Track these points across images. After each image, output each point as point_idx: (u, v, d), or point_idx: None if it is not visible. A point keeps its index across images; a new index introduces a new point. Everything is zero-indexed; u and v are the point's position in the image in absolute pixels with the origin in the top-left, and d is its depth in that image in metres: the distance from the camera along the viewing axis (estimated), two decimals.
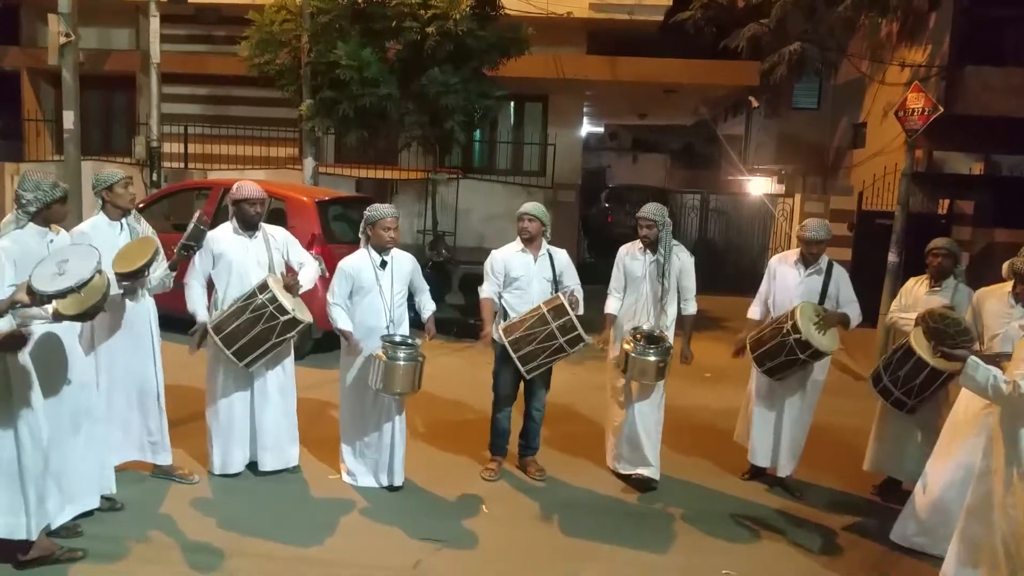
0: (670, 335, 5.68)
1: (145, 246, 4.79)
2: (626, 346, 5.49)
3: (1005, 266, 4.69)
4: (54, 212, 4.30)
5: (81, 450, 4.47)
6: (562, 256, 5.82)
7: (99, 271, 3.90)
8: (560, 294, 5.51)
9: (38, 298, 3.72)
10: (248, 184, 5.47)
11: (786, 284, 5.79)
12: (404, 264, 5.56)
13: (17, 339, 3.89)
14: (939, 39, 12.66)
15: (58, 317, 4.00)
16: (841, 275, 5.78)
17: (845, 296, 5.73)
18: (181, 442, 5.73)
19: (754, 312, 6.02)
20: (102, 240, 4.91)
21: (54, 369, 4.30)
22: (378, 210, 5.45)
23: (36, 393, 4.12)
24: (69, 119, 11.53)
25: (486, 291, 5.76)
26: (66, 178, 11.38)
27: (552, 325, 5.35)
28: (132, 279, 4.83)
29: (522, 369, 5.47)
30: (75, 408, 4.42)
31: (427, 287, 5.76)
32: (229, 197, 5.48)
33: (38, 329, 4.13)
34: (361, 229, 5.53)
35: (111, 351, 5.06)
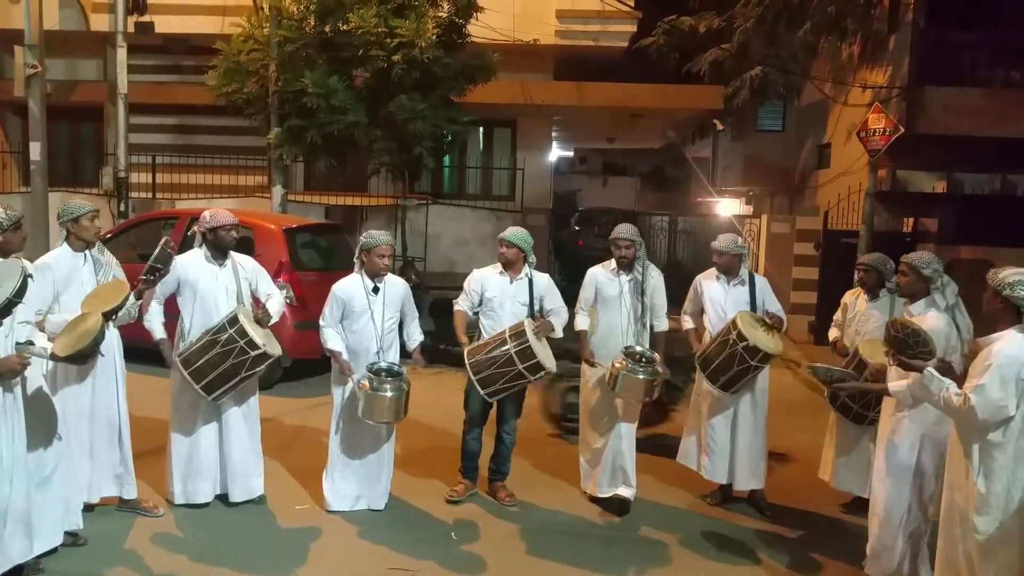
0: None
1: (117, 290, 4.76)
2: (617, 365, 5.51)
3: None
4: (7, 242, 4.27)
5: (49, 489, 4.41)
6: (543, 280, 5.82)
7: (29, 275, 3.96)
8: (526, 320, 5.52)
9: None
10: (220, 211, 5.50)
11: (713, 298, 5.94)
12: (396, 289, 5.62)
13: (12, 365, 3.95)
14: (899, 61, 12.91)
15: (54, 358, 4.19)
16: (764, 285, 5.97)
17: (772, 304, 5.90)
18: (145, 474, 5.66)
19: (687, 322, 6.15)
20: (66, 271, 4.89)
21: (40, 420, 4.32)
22: (375, 237, 5.52)
23: (23, 443, 4.14)
24: (36, 150, 11.44)
25: (459, 304, 5.82)
26: (32, 210, 11.28)
27: (512, 351, 5.32)
28: (106, 320, 4.78)
29: (482, 392, 5.47)
30: (46, 449, 4.39)
31: (417, 314, 5.81)
32: (201, 225, 5.45)
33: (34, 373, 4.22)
34: (356, 255, 5.57)
35: (79, 385, 4.98)
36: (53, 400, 4.56)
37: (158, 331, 5.37)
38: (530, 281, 5.75)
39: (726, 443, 5.85)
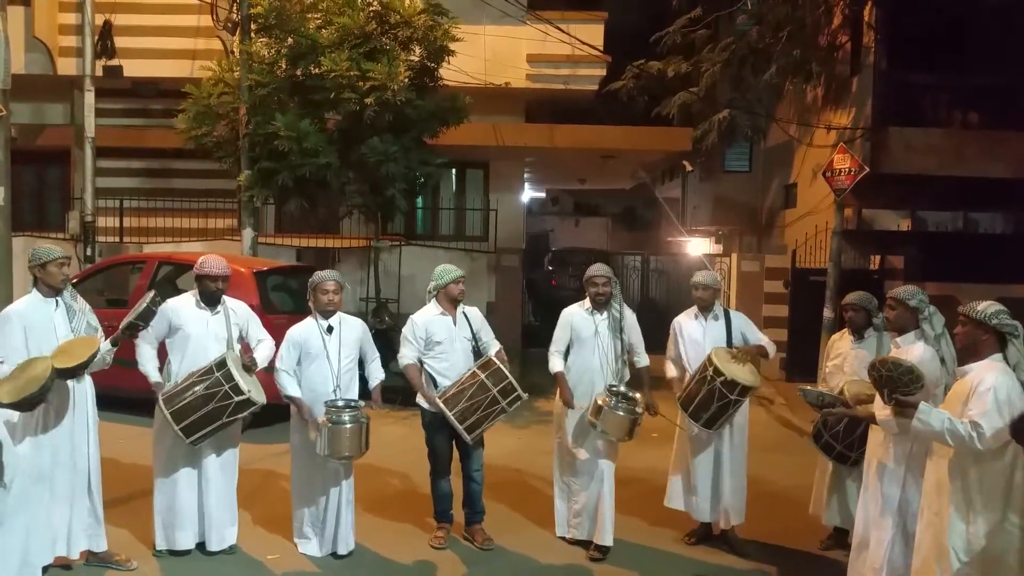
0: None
1: (86, 346, 4.68)
2: (600, 402, 5.51)
3: None
4: None
5: (7, 545, 4.26)
6: (476, 314, 5.91)
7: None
8: (492, 357, 5.56)
9: None
10: (212, 259, 5.43)
11: (694, 338, 5.92)
12: (353, 329, 5.58)
13: None
14: (862, 102, 13.19)
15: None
16: (742, 319, 6.01)
17: (754, 336, 5.93)
18: (124, 522, 5.51)
19: (671, 370, 6.10)
20: (36, 318, 4.80)
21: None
22: (319, 275, 5.56)
23: None
24: None
25: (409, 357, 5.70)
26: None
27: (494, 391, 5.38)
28: (70, 376, 4.68)
29: (467, 437, 5.44)
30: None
31: (377, 355, 5.76)
32: (194, 269, 5.43)
33: None
34: (308, 295, 5.55)
35: (56, 435, 4.82)
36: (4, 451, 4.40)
37: (153, 375, 5.31)
38: (465, 316, 5.80)
39: (709, 482, 5.83)
